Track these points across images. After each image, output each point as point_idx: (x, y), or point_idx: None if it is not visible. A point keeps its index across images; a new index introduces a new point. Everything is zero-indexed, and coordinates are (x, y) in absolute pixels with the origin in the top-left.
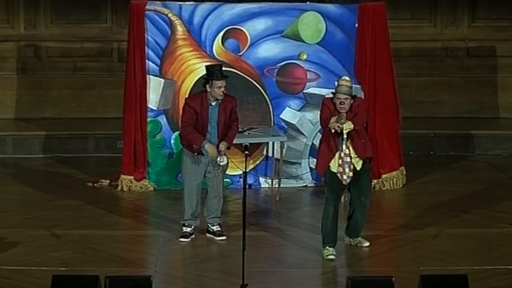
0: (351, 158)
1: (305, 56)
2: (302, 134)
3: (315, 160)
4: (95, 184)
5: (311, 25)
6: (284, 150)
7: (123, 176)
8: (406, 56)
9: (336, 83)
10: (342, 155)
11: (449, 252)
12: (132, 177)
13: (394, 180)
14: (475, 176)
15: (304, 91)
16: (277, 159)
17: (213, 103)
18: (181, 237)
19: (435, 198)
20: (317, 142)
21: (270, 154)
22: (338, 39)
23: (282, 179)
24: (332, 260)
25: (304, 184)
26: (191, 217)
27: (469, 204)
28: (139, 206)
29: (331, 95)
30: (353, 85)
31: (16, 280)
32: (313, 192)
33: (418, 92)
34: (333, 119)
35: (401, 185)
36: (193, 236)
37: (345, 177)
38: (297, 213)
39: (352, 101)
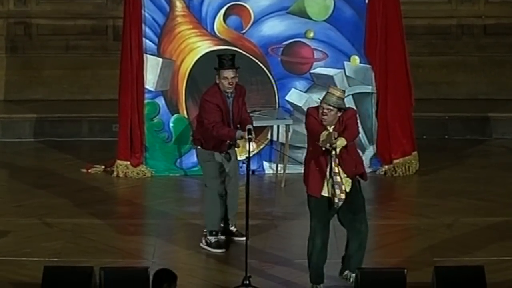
0: (341, 178)
1: (312, 34)
2: None
3: None
4: (89, 170)
5: (318, 1)
6: (289, 134)
7: (118, 161)
8: (419, 34)
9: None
10: (332, 174)
11: (465, 242)
12: (128, 163)
13: (407, 165)
14: (492, 161)
15: (311, 71)
16: (282, 144)
17: (229, 95)
18: (216, 247)
19: (450, 184)
20: None
21: (274, 138)
22: (347, 16)
23: (288, 165)
24: None
25: None
26: (217, 226)
27: (486, 191)
28: (135, 193)
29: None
30: (345, 96)
31: (5, 271)
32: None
33: (432, 72)
34: (323, 135)
35: (413, 171)
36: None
37: (336, 199)
38: (303, 201)
39: (341, 113)
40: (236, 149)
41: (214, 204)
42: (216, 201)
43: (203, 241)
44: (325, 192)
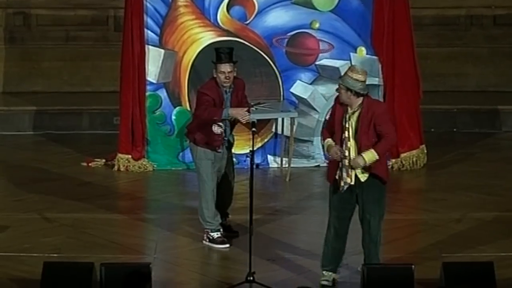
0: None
1: (317, 25)
2: (314, 109)
3: None
4: (90, 164)
5: None
6: (294, 127)
7: (120, 155)
8: (427, 25)
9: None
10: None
11: (474, 237)
12: (129, 156)
13: (414, 159)
14: (501, 155)
15: (316, 62)
16: (287, 137)
17: (227, 90)
18: (220, 243)
19: (458, 179)
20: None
21: (279, 131)
22: (353, 6)
23: (293, 159)
24: (324, 286)
25: (316, 164)
26: (214, 220)
27: (495, 186)
28: (137, 188)
29: None
30: (368, 77)
31: (4, 267)
32: (326, 173)
33: (440, 64)
34: (326, 143)
35: (421, 165)
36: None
37: (342, 183)
38: (308, 195)
39: (352, 93)
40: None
41: (210, 202)
42: (212, 198)
43: (206, 237)
44: (341, 179)
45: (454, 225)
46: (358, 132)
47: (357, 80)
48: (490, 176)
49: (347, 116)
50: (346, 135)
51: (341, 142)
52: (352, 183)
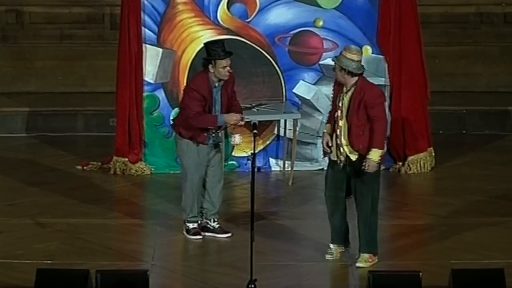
0: (341, 142)
1: (321, 23)
2: (318, 110)
3: None
4: (85, 167)
5: None
6: (297, 129)
7: (116, 158)
8: (435, 23)
9: None
10: (334, 135)
11: (483, 243)
12: (126, 159)
13: (422, 162)
14: None
15: (320, 62)
16: (290, 139)
17: (217, 84)
18: (193, 234)
19: (468, 182)
20: None
21: (281, 133)
22: (359, 3)
23: (295, 162)
24: (329, 260)
25: (320, 167)
26: (195, 213)
27: (506, 190)
28: (134, 192)
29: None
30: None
31: None
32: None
33: (449, 63)
34: (324, 141)
35: (429, 168)
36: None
37: (331, 156)
38: (311, 200)
39: (346, 72)
40: (223, 142)
41: (190, 192)
42: (195, 193)
43: (184, 228)
44: (333, 157)
45: (463, 230)
46: (349, 112)
47: (350, 59)
48: (500, 180)
49: (341, 95)
50: (339, 114)
51: (334, 120)
52: (338, 160)
